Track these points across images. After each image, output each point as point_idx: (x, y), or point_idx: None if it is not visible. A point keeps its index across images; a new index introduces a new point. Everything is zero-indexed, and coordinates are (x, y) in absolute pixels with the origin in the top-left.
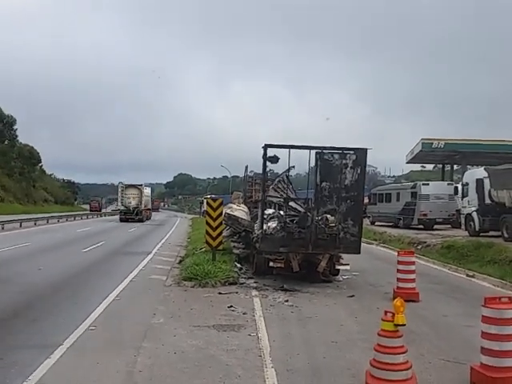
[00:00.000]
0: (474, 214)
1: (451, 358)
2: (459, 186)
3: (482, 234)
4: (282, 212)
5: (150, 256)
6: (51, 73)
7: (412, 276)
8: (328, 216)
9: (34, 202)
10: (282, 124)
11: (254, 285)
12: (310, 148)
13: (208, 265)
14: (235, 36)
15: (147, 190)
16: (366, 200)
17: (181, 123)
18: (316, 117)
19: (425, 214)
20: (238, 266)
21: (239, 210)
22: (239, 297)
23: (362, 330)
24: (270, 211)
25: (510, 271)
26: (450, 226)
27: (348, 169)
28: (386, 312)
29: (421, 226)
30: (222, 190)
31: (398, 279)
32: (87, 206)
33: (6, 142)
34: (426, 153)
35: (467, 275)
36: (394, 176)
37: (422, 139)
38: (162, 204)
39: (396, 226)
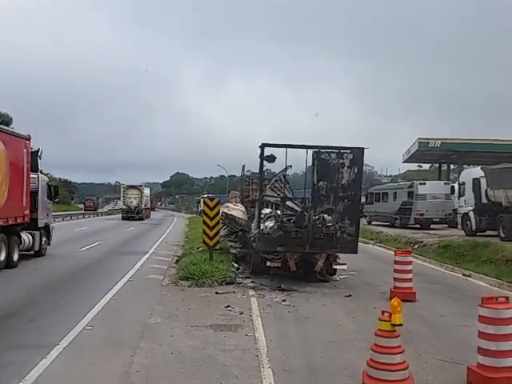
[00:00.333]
0: (471, 214)
1: (448, 358)
2: (456, 186)
3: (478, 234)
4: (278, 211)
5: (147, 255)
6: (49, 72)
7: (409, 276)
8: (325, 215)
9: None
10: (280, 123)
11: (251, 284)
12: (307, 147)
13: (205, 264)
14: (233, 36)
15: (147, 191)
16: (363, 199)
17: (178, 123)
18: (313, 116)
19: (421, 214)
20: (235, 265)
21: (236, 210)
22: (236, 296)
23: (359, 329)
24: (267, 211)
25: (507, 271)
26: (446, 225)
27: (345, 168)
28: (383, 312)
29: (417, 226)
30: (218, 189)
31: (395, 279)
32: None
33: None
34: (422, 152)
35: (464, 275)
36: (390, 175)
37: (418, 139)
38: (158, 203)
39: (393, 226)
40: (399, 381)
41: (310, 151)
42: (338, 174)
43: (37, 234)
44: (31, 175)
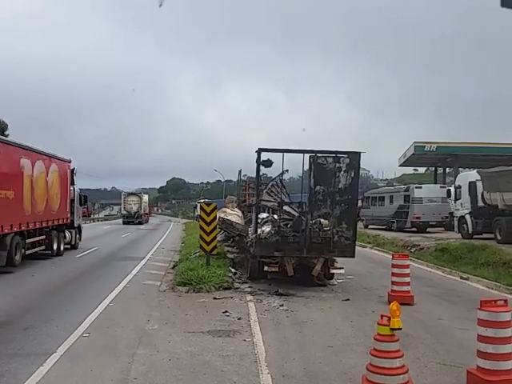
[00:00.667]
0: (467, 217)
1: (447, 362)
2: (452, 189)
3: (475, 237)
4: (275, 216)
5: (143, 261)
6: (46, 78)
7: (407, 279)
8: (322, 220)
9: None
10: (276, 128)
11: (249, 289)
12: (303, 152)
13: (202, 270)
14: (230, 41)
15: (145, 197)
16: (360, 203)
17: (174, 128)
18: (309, 120)
19: (418, 217)
20: (233, 270)
21: (233, 215)
22: (234, 302)
23: (358, 333)
24: (263, 215)
25: (504, 273)
26: (443, 228)
27: (342, 172)
28: (381, 316)
29: (414, 229)
30: (215, 194)
31: (393, 282)
32: None
33: None
34: (418, 156)
35: (461, 278)
36: (386, 179)
37: (414, 142)
38: (155, 209)
39: (389, 229)
40: None
41: (307, 156)
42: (334, 178)
43: (73, 231)
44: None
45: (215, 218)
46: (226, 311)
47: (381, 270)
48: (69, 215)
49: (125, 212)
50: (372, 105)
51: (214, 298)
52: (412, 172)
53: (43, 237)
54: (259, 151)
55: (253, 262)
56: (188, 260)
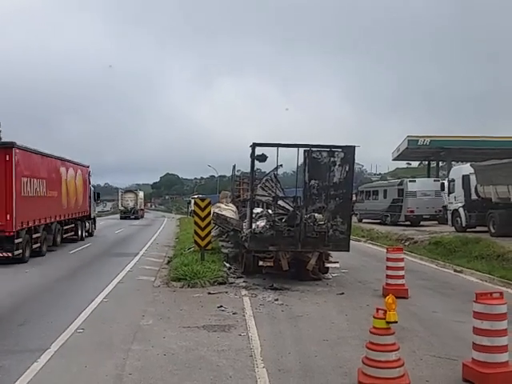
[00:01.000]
0: (461, 210)
1: (443, 355)
2: (445, 183)
3: (468, 230)
4: (270, 211)
5: (137, 257)
6: (36, 74)
7: (401, 273)
8: (316, 214)
9: None
10: (269, 123)
11: (244, 284)
12: (298, 146)
13: (197, 265)
14: (222, 35)
15: (141, 194)
16: (354, 197)
17: (167, 123)
18: (302, 115)
19: (412, 211)
20: (227, 265)
21: (228, 210)
22: (229, 296)
23: (353, 327)
24: (258, 210)
25: (498, 266)
26: (436, 222)
27: (336, 166)
28: (377, 309)
29: (408, 223)
30: (209, 189)
31: (388, 276)
32: None
33: None
34: (411, 150)
35: (455, 271)
36: (380, 173)
37: (407, 136)
38: (148, 204)
39: (383, 223)
40: (395, 378)
41: (302, 150)
42: (329, 172)
43: (90, 222)
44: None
45: (210, 213)
46: (221, 306)
47: (375, 263)
48: (88, 209)
49: (122, 208)
50: (365, 99)
51: (209, 293)
52: (405, 166)
53: (72, 225)
54: (253, 146)
55: (247, 257)
56: (182, 255)
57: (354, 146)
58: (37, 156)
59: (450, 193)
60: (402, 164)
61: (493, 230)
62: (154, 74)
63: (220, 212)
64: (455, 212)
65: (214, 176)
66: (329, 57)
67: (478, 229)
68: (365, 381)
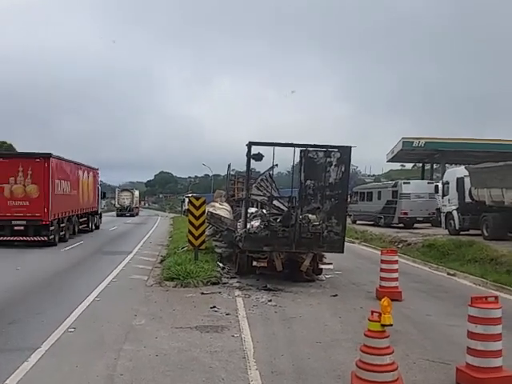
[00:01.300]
0: (455, 213)
1: (436, 359)
2: (439, 185)
3: (462, 233)
4: (264, 210)
5: (130, 255)
6: (34, 71)
7: (395, 275)
8: (309, 215)
9: None
10: (264, 122)
11: (237, 284)
12: (294, 146)
13: (190, 264)
14: (219, 34)
15: (136, 193)
16: (348, 198)
17: (162, 122)
18: (298, 115)
19: (405, 213)
20: (221, 265)
21: (222, 209)
22: (222, 297)
23: (346, 329)
24: (252, 210)
25: (491, 270)
26: (429, 224)
27: (332, 167)
28: (372, 312)
29: (401, 225)
30: (203, 188)
31: (381, 278)
32: None
33: None
34: (406, 152)
35: (448, 274)
36: (374, 175)
37: (402, 138)
38: (142, 203)
39: (377, 225)
40: (389, 382)
41: (298, 150)
42: (325, 172)
43: (97, 216)
44: None
45: (204, 212)
46: (214, 306)
47: (369, 265)
48: (96, 205)
49: (118, 205)
50: (362, 100)
51: (202, 293)
52: (399, 168)
53: (85, 219)
54: (250, 145)
55: (241, 257)
56: (176, 254)
57: (351, 147)
58: (65, 163)
59: (443, 195)
60: (396, 166)
61: (486, 234)
62: (150, 72)
63: (214, 211)
64: (449, 215)
65: (208, 175)
66: (327, 56)
67: (472, 232)
68: None
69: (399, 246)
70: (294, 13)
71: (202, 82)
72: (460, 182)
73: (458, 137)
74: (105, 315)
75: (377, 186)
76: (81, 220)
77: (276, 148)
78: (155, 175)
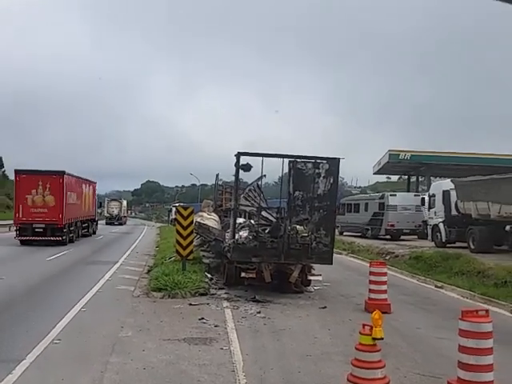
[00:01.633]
0: (441, 225)
1: (427, 372)
2: (426, 198)
3: (448, 245)
4: (252, 221)
5: (116, 265)
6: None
7: (384, 287)
8: (297, 226)
9: None
10: (251, 133)
11: (225, 296)
12: (283, 156)
13: (177, 275)
14: (206, 43)
15: (124, 203)
16: None
17: (148, 131)
18: (284, 126)
19: (392, 225)
20: (209, 276)
21: (210, 219)
22: (210, 308)
23: (336, 342)
24: (240, 220)
25: (479, 282)
26: (416, 236)
27: (321, 178)
28: (363, 325)
29: (388, 237)
30: (190, 198)
31: (370, 290)
32: None
33: None
34: (392, 164)
35: (436, 286)
36: (360, 186)
37: (389, 150)
38: (129, 212)
39: (364, 236)
40: None
41: (286, 161)
42: (313, 184)
43: (95, 223)
44: None
45: (192, 222)
46: (203, 318)
47: (357, 277)
48: (94, 214)
49: (107, 215)
50: (346, 114)
51: (190, 304)
52: (385, 180)
53: (86, 225)
54: (238, 155)
55: (229, 268)
56: (163, 265)
57: (339, 159)
58: (73, 178)
59: (430, 208)
60: (382, 178)
61: (472, 246)
62: (136, 81)
63: (202, 221)
64: (435, 227)
65: (195, 184)
66: (314, 68)
67: (458, 244)
68: None
69: (387, 257)
70: (284, 24)
71: (190, 91)
72: (446, 194)
73: (444, 150)
74: (91, 326)
75: (364, 197)
76: (83, 225)
77: (264, 159)
78: (142, 184)
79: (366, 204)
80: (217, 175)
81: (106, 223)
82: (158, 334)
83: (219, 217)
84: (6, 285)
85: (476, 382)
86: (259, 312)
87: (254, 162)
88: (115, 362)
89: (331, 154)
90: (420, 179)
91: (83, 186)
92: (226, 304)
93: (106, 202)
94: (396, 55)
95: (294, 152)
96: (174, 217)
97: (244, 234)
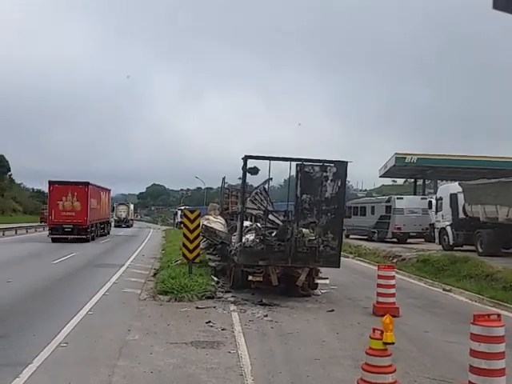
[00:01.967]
0: (448, 229)
1: (437, 376)
2: (433, 201)
3: (455, 249)
4: (259, 224)
5: (123, 268)
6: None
7: (392, 290)
8: (303, 229)
9: (1, 212)
10: (256, 136)
11: (232, 299)
12: (290, 160)
13: (184, 278)
14: (209, 48)
15: (131, 206)
16: None
17: (154, 134)
18: (289, 129)
19: (399, 228)
20: (215, 279)
21: (216, 222)
22: (217, 311)
23: (344, 346)
24: (247, 223)
25: (487, 286)
26: (423, 239)
27: (328, 181)
28: (374, 329)
29: (395, 240)
30: (195, 201)
31: (378, 294)
32: None
33: None
34: (399, 167)
35: (444, 289)
36: (366, 190)
37: (395, 154)
38: (135, 215)
39: (370, 240)
40: None
41: (294, 164)
42: (321, 187)
43: (109, 225)
44: None
45: (199, 225)
46: (210, 321)
47: (363, 280)
48: (109, 217)
49: (116, 218)
50: (351, 117)
51: (197, 308)
52: (391, 183)
53: (103, 226)
54: (246, 158)
55: (236, 271)
56: (169, 268)
57: (347, 162)
58: (95, 187)
59: (437, 211)
60: (388, 181)
61: (480, 250)
62: (142, 85)
63: (209, 224)
64: (442, 230)
65: (200, 188)
66: (318, 72)
67: (465, 248)
68: None
69: (394, 260)
70: (285, 29)
71: (196, 95)
72: (454, 198)
73: (450, 153)
74: (98, 330)
75: (370, 200)
76: (101, 226)
77: (270, 162)
78: (147, 187)
79: (373, 207)
80: (223, 178)
81: (115, 226)
82: (165, 338)
83: (225, 220)
84: (13, 287)
85: None
86: (266, 315)
87: (261, 165)
88: (122, 365)
89: (337, 158)
90: (427, 182)
91: (101, 193)
92: (232, 307)
93: (114, 206)
94: (396, 57)
95: (298, 155)
96: (179, 220)
97: (251, 237)
